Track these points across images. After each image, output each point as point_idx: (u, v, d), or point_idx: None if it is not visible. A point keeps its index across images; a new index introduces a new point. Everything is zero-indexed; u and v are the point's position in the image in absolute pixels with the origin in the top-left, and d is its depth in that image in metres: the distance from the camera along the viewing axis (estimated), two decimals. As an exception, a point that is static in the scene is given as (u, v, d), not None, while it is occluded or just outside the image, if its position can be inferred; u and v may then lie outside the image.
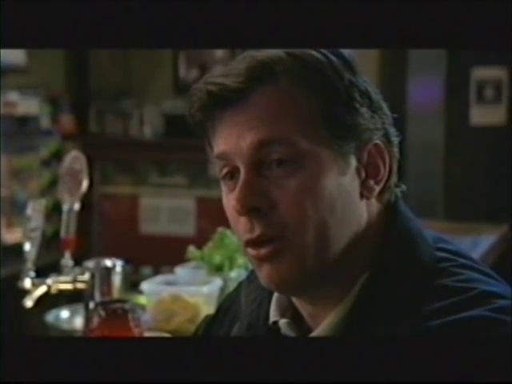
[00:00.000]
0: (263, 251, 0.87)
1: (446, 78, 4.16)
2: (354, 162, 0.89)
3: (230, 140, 0.88)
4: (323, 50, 0.90)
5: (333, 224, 0.87)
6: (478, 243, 2.91)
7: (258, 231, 0.87)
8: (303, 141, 0.86)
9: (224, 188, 0.92)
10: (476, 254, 2.54)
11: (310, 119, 0.87)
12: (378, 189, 0.91)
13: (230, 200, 0.90)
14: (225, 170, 0.90)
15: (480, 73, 4.14)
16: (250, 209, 0.87)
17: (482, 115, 4.16)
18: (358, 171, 0.89)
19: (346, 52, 0.91)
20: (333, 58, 0.89)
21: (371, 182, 0.90)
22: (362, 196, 0.90)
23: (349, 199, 0.89)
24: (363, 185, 0.90)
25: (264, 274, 0.89)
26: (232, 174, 0.90)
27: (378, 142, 0.90)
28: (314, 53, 0.89)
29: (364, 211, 0.90)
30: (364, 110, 0.89)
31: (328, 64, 0.88)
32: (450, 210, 4.10)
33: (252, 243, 0.88)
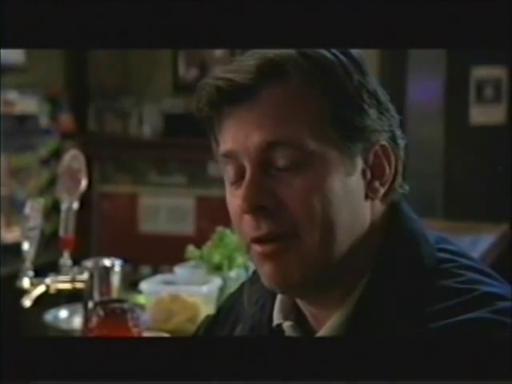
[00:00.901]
0: (269, 248, 0.87)
1: (445, 77, 4.16)
2: (360, 163, 0.89)
3: (238, 138, 0.88)
4: (333, 50, 0.89)
5: (339, 224, 0.87)
6: (478, 242, 2.91)
7: (265, 229, 0.87)
8: (311, 141, 0.86)
9: (228, 186, 0.91)
10: (476, 254, 2.54)
11: (319, 119, 0.87)
12: (382, 190, 0.91)
13: (234, 197, 0.89)
14: (230, 168, 0.90)
15: (480, 72, 4.14)
16: (256, 207, 0.86)
17: (481, 114, 4.16)
18: (363, 172, 0.89)
19: (356, 52, 0.91)
20: (343, 57, 0.89)
21: (376, 184, 0.90)
22: (366, 197, 0.90)
23: (354, 200, 0.88)
24: (368, 186, 0.90)
25: (266, 273, 0.88)
26: (237, 172, 0.89)
27: (384, 143, 0.90)
28: (324, 52, 0.88)
29: (368, 212, 0.90)
30: (372, 111, 0.88)
31: (338, 64, 0.88)
32: (450, 209, 4.10)
33: (258, 240, 0.88)
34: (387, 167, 0.91)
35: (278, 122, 0.86)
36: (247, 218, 0.88)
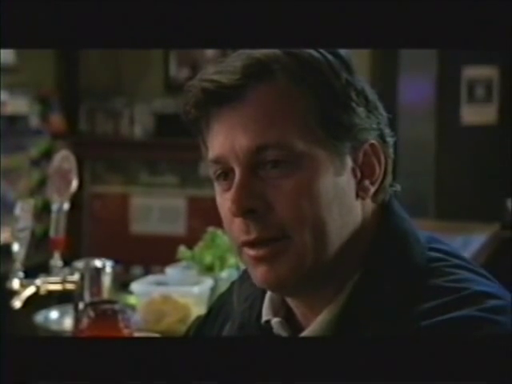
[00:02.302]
0: (261, 252, 0.87)
1: (436, 77, 4.17)
2: (349, 162, 0.88)
3: (226, 142, 0.87)
4: (323, 52, 0.89)
5: (329, 224, 0.87)
6: (469, 242, 2.92)
7: (254, 234, 0.86)
8: (300, 142, 0.86)
9: (218, 188, 0.91)
10: (467, 253, 2.54)
11: (307, 119, 0.86)
12: (373, 189, 0.90)
13: (224, 200, 0.89)
14: (219, 171, 0.89)
15: (471, 72, 4.15)
16: (246, 211, 0.86)
17: (472, 114, 4.17)
18: (353, 171, 0.89)
19: (343, 51, 0.91)
20: (330, 57, 0.88)
21: (367, 182, 0.90)
22: (357, 196, 0.89)
23: (345, 199, 0.88)
24: (359, 185, 0.90)
25: (259, 275, 0.88)
26: (226, 174, 0.89)
27: (373, 142, 0.90)
28: (311, 51, 0.88)
29: (359, 211, 0.90)
30: (361, 109, 0.88)
31: (325, 63, 0.88)
32: (441, 209, 4.11)
33: (249, 244, 0.87)
34: (377, 166, 0.90)
35: (266, 125, 0.86)
36: (237, 221, 0.87)
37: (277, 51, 0.87)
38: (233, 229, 0.89)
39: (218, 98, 0.87)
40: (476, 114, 4.16)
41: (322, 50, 0.89)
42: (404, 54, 4.07)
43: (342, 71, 0.88)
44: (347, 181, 0.88)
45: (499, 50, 0.95)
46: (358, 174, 0.89)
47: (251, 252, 0.88)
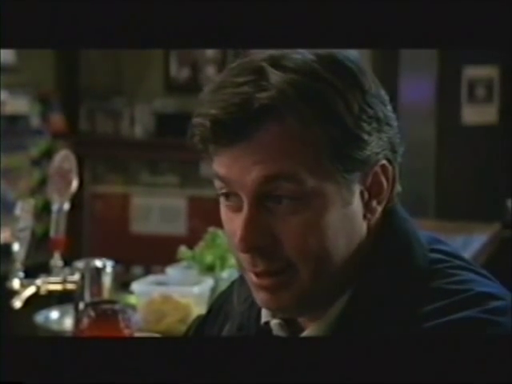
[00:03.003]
0: (266, 282, 0.87)
1: (437, 77, 4.16)
2: (357, 187, 0.87)
3: (234, 166, 0.85)
4: (333, 77, 0.84)
5: (335, 254, 0.86)
6: (470, 242, 2.91)
7: (261, 267, 0.87)
8: (310, 178, 0.84)
9: (223, 205, 0.89)
10: (468, 253, 2.54)
11: (318, 156, 0.84)
12: (380, 209, 0.89)
13: (230, 219, 0.88)
14: (224, 191, 0.88)
15: (471, 72, 4.15)
16: (253, 247, 0.86)
17: (473, 114, 4.16)
18: (361, 194, 0.88)
19: (356, 58, 0.87)
20: (342, 85, 0.84)
21: (374, 203, 0.89)
22: (364, 217, 0.88)
23: (352, 225, 0.87)
24: (366, 207, 0.88)
25: (260, 299, 0.89)
26: (228, 195, 0.88)
27: (384, 162, 0.88)
28: (323, 85, 0.84)
29: (365, 229, 0.89)
30: (372, 138, 0.85)
31: (337, 97, 0.83)
32: (442, 209, 4.11)
33: (254, 274, 0.88)
34: (385, 183, 0.88)
35: (276, 157, 0.84)
36: (244, 254, 0.87)
37: (285, 87, 0.83)
38: (238, 255, 0.89)
39: (226, 138, 0.85)
40: (476, 114, 4.15)
41: (336, 80, 0.84)
42: (404, 53, 4.07)
43: (355, 99, 0.84)
44: (355, 206, 0.87)
45: (499, 49, 0.94)
46: (366, 196, 0.88)
47: (255, 280, 0.88)
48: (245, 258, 0.88)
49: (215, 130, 0.84)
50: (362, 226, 0.89)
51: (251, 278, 0.89)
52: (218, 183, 0.88)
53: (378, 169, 0.88)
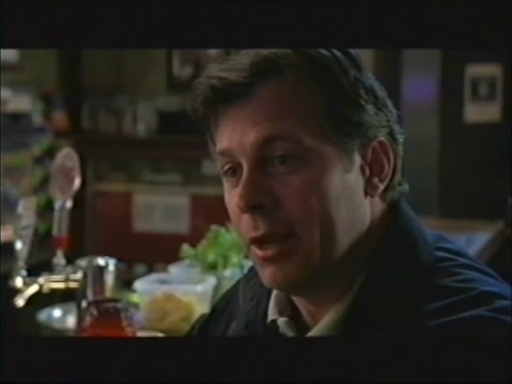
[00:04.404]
0: (270, 252, 0.86)
1: (440, 75, 4.16)
2: (358, 159, 0.88)
3: (234, 136, 0.87)
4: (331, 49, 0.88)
5: (338, 222, 0.86)
6: (473, 240, 2.91)
7: (262, 229, 0.86)
8: (308, 137, 0.85)
9: (226, 184, 0.91)
10: (471, 251, 2.54)
11: (315, 116, 0.86)
12: (382, 187, 0.90)
13: (232, 197, 0.89)
14: (227, 166, 0.89)
15: (474, 70, 4.14)
16: (253, 206, 0.86)
17: (476, 112, 4.16)
18: (362, 169, 0.89)
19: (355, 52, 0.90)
20: (338, 54, 0.88)
21: (375, 180, 0.90)
22: (366, 194, 0.89)
23: (353, 197, 0.88)
24: (367, 183, 0.89)
25: (267, 275, 0.88)
26: (234, 170, 0.89)
27: (382, 139, 0.90)
28: (319, 51, 0.88)
29: (368, 210, 0.89)
30: (369, 106, 0.88)
31: (334, 60, 0.87)
32: (445, 207, 4.10)
33: (257, 242, 0.87)
34: (386, 163, 0.90)
35: (273, 118, 0.86)
36: (245, 217, 0.87)
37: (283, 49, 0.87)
38: (241, 225, 0.88)
39: (227, 96, 0.87)
40: (479, 113, 4.15)
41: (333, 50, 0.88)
42: (407, 52, 4.06)
43: (351, 68, 0.88)
44: (355, 178, 0.88)
45: (502, 50, 0.94)
46: (367, 172, 0.89)
47: (259, 252, 0.87)
48: (246, 222, 0.87)
49: (216, 86, 0.86)
50: (365, 204, 0.89)
51: (256, 253, 0.88)
52: (221, 161, 0.90)
53: (376, 144, 0.89)
